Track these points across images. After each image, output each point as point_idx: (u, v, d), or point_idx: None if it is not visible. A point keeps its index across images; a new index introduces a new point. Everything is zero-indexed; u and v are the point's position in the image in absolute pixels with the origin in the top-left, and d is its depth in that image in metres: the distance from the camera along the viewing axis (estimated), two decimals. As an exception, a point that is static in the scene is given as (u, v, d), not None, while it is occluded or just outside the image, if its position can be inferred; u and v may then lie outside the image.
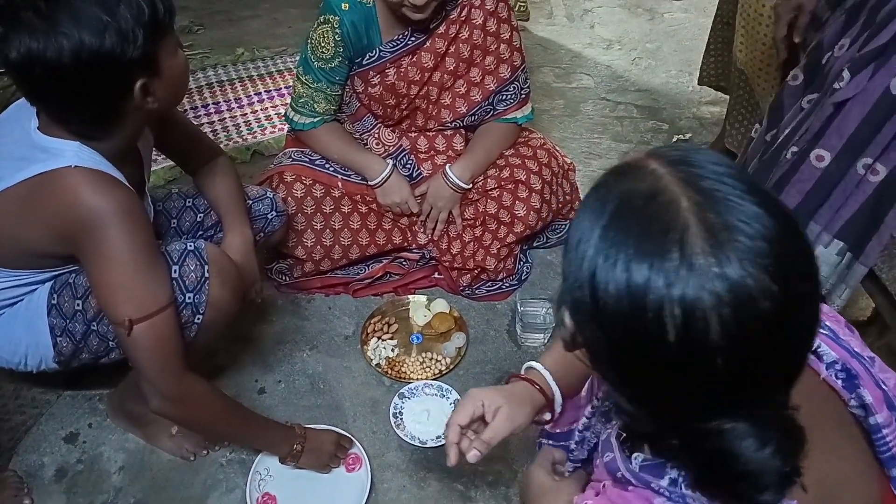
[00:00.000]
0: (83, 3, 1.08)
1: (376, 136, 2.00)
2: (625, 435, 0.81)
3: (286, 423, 1.54)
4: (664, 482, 0.71)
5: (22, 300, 1.38)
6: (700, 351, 0.58)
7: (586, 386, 1.04)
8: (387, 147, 2.00)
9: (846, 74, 1.39)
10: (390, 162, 1.95)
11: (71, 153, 1.19)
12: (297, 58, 1.96)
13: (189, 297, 1.34)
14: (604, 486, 0.82)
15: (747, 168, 1.73)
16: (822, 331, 0.80)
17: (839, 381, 0.78)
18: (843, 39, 1.47)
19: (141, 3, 1.11)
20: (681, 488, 0.69)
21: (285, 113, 2.00)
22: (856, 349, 0.80)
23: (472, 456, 1.03)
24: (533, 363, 1.12)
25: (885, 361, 0.91)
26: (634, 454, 0.75)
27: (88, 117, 1.19)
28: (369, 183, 1.95)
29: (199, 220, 1.63)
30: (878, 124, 1.37)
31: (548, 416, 1.10)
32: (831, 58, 1.48)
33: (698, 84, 2.45)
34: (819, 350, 0.78)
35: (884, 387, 0.78)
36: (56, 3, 1.07)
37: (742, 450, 0.60)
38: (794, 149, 1.48)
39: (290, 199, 1.89)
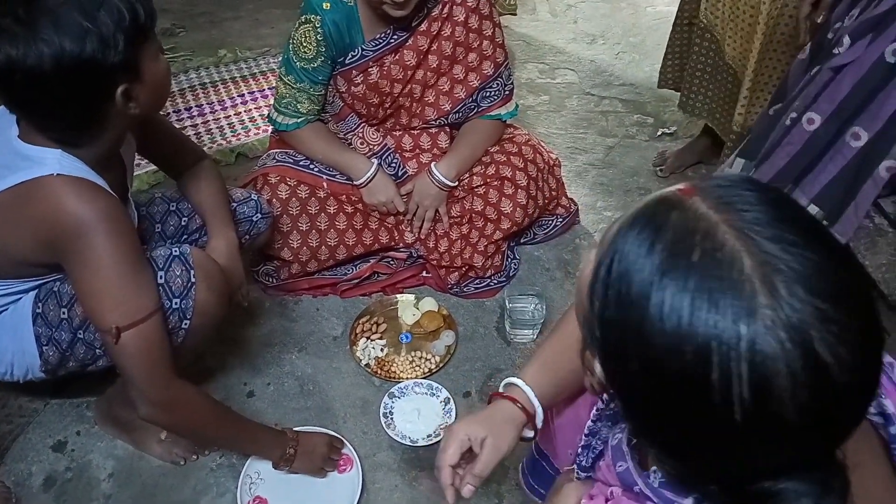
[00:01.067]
0: (63, 10, 1.07)
1: (360, 135, 1.99)
2: (635, 441, 0.78)
3: (276, 425, 1.53)
4: (688, 501, 0.66)
5: (6, 309, 1.37)
6: (767, 415, 0.52)
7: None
8: (371, 146, 1.99)
9: (846, 40, 1.39)
10: (375, 161, 1.95)
11: (53, 161, 1.17)
12: (280, 58, 1.95)
13: (176, 303, 1.33)
14: (612, 492, 0.79)
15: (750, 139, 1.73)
16: None
17: None
18: (853, 10, 1.47)
19: (122, 8, 1.10)
20: None
21: (268, 114, 1.99)
22: None
23: (468, 491, 1.02)
24: (513, 379, 1.10)
25: None
26: (652, 468, 0.71)
27: (70, 124, 1.18)
28: (354, 182, 1.94)
29: (183, 223, 1.62)
30: (871, 91, 1.37)
31: (530, 434, 1.10)
32: (840, 28, 1.49)
33: (658, 87, 2.45)
34: None
35: None
36: (35, 9, 1.06)
37: None
38: (793, 114, 1.48)
39: (274, 200, 1.89)
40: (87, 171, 1.20)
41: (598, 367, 0.63)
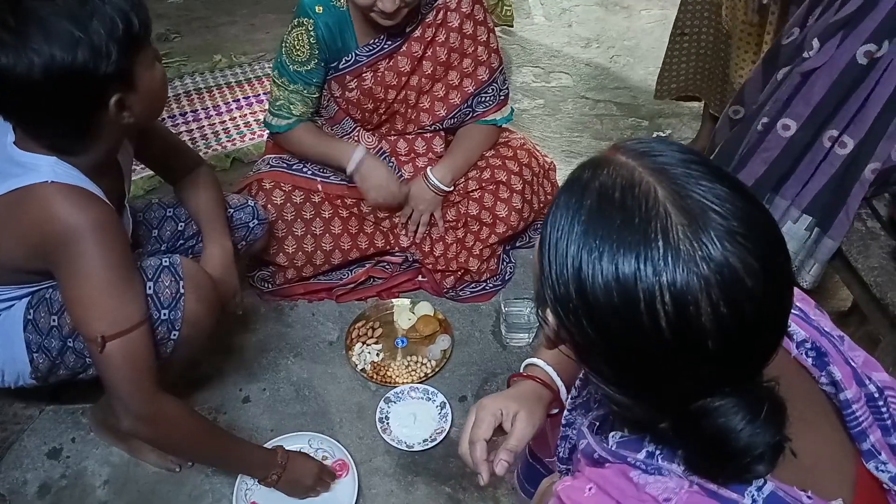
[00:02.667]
0: (54, 18, 1.06)
1: (356, 138, 1.99)
2: (598, 424, 0.81)
3: (271, 431, 1.53)
4: (641, 455, 0.71)
5: None
6: (693, 334, 0.60)
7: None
8: (366, 148, 1.99)
9: (816, 43, 1.40)
10: (362, 145, 1.92)
11: (47, 168, 1.17)
12: (274, 59, 1.94)
13: (164, 314, 1.33)
14: (579, 470, 0.82)
15: (714, 145, 1.75)
16: (792, 311, 0.80)
17: (809, 360, 0.79)
18: (816, 8, 1.48)
19: (115, 16, 1.09)
20: (657, 460, 0.70)
21: (264, 118, 1.99)
22: (826, 328, 0.81)
23: (502, 468, 0.99)
24: (533, 360, 1.10)
25: (865, 350, 0.93)
26: (612, 433, 0.76)
27: (63, 132, 1.18)
28: (347, 171, 1.90)
29: (179, 229, 1.62)
30: (844, 94, 1.38)
31: (556, 411, 1.10)
32: (807, 30, 1.50)
33: (655, 98, 2.45)
34: (790, 330, 0.79)
35: (852, 364, 0.79)
36: (26, 17, 1.05)
37: (735, 423, 0.62)
38: (765, 119, 1.49)
39: (269, 206, 1.89)
40: (82, 178, 1.20)
41: (550, 319, 0.70)
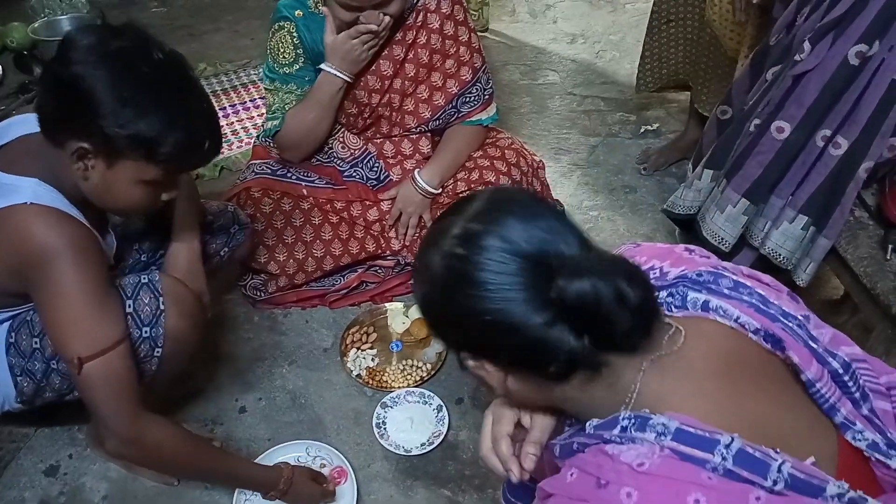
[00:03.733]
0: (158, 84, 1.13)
1: (341, 139, 1.99)
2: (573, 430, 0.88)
3: (269, 440, 1.52)
4: (616, 431, 0.77)
5: None
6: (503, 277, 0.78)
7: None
8: (352, 150, 1.99)
9: (807, 45, 1.40)
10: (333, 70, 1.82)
11: (28, 190, 1.17)
12: (262, 70, 1.93)
13: (146, 331, 1.32)
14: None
15: (703, 145, 1.75)
16: (749, 298, 0.86)
17: (768, 345, 0.84)
18: (804, 7, 1.48)
19: (173, 120, 1.13)
20: (630, 432, 0.76)
21: (262, 132, 1.96)
22: (787, 310, 0.86)
23: (531, 462, 0.98)
24: None
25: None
26: (588, 423, 0.82)
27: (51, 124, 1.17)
28: (337, 75, 1.81)
29: (160, 240, 1.61)
30: (837, 94, 1.39)
31: None
32: (793, 27, 1.50)
33: (637, 92, 2.45)
34: (740, 320, 0.84)
35: (813, 344, 0.84)
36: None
37: (578, 287, 0.75)
38: (757, 121, 1.49)
39: (258, 214, 1.88)
40: (62, 201, 1.20)
41: (475, 362, 0.86)
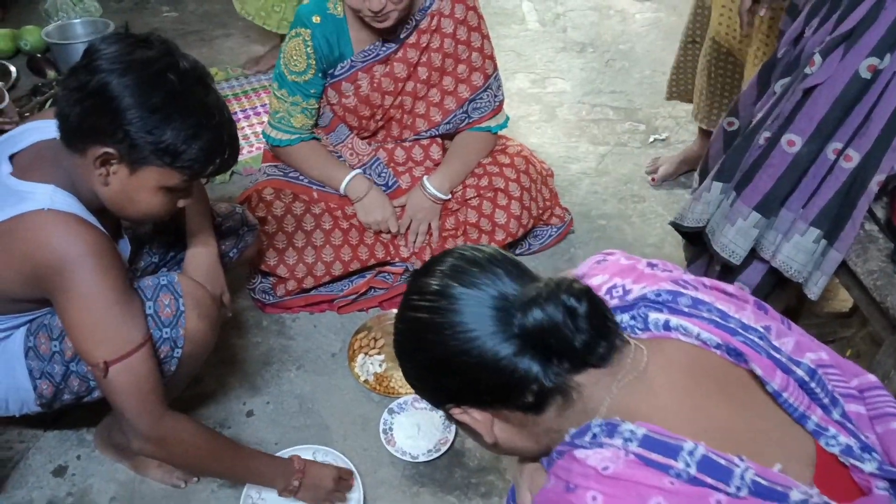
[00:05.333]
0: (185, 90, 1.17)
1: (350, 146, 2.01)
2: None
3: (276, 444, 1.52)
4: (587, 437, 0.82)
5: None
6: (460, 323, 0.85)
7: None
8: (361, 157, 2.01)
9: (817, 58, 1.40)
10: (368, 179, 1.95)
11: (45, 196, 1.18)
12: (271, 75, 1.96)
13: (166, 332, 1.33)
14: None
15: (709, 156, 1.76)
16: (708, 315, 0.88)
17: (731, 359, 0.86)
18: (813, 20, 1.48)
19: (199, 129, 1.16)
20: (599, 438, 0.80)
21: (263, 131, 2.00)
22: (748, 324, 0.88)
23: None
24: None
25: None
26: (567, 433, 0.86)
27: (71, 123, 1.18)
28: (351, 199, 1.95)
29: (170, 241, 1.63)
30: (848, 107, 1.39)
31: None
32: (802, 40, 1.50)
33: (666, 99, 2.46)
34: (701, 336, 0.86)
35: (776, 354, 0.85)
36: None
37: (534, 316, 0.81)
38: (767, 134, 1.49)
39: (270, 217, 1.90)
40: (79, 206, 1.21)
41: (460, 412, 0.90)
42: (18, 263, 1.18)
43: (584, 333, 0.81)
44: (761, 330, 0.88)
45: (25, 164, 1.23)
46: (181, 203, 1.29)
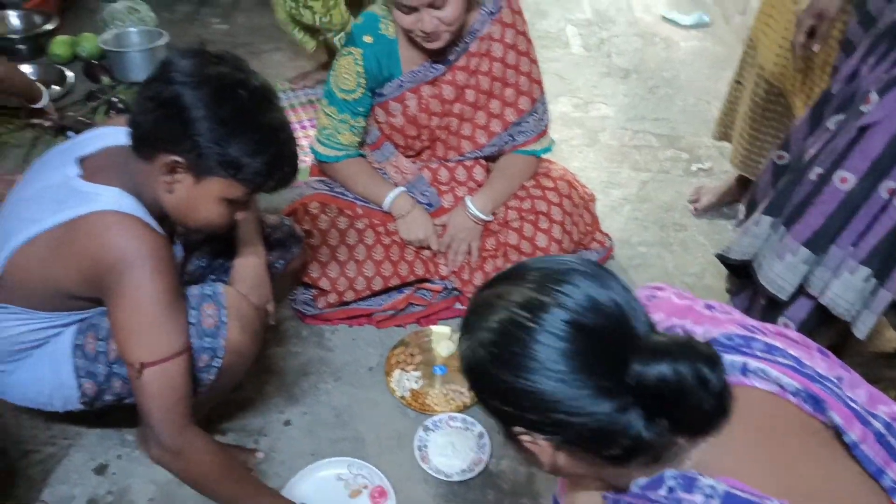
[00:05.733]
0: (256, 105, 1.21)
1: (395, 164, 2.03)
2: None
3: (311, 455, 1.53)
4: (662, 492, 0.77)
5: (48, 342, 1.40)
6: (583, 339, 0.78)
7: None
8: (405, 175, 2.03)
9: (874, 97, 1.40)
10: (412, 198, 1.98)
11: (109, 198, 1.22)
12: (318, 90, 2.00)
13: (207, 342, 1.36)
14: None
15: (757, 189, 1.75)
16: (784, 361, 0.84)
17: (809, 407, 0.82)
18: (870, 58, 1.48)
19: (269, 152, 1.21)
20: (677, 493, 0.76)
21: (310, 145, 2.03)
22: (822, 373, 0.84)
23: None
24: None
25: None
26: (632, 483, 0.82)
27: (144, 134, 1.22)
28: (390, 212, 1.97)
29: (219, 249, 1.66)
30: None
31: None
32: (857, 77, 1.50)
33: (713, 139, 2.45)
34: (782, 382, 0.82)
35: (853, 405, 0.82)
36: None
37: (657, 370, 0.74)
38: (819, 170, 1.48)
39: (315, 230, 1.93)
40: (142, 210, 1.25)
41: (526, 436, 0.84)
42: (79, 261, 1.22)
43: (709, 406, 0.75)
44: (834, 380, 0.85)
45: (93, 168, 1.27)
46: (239, 216, 1.32)
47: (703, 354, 0.76)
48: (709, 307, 0.95)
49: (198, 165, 1.20)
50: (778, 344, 0.87)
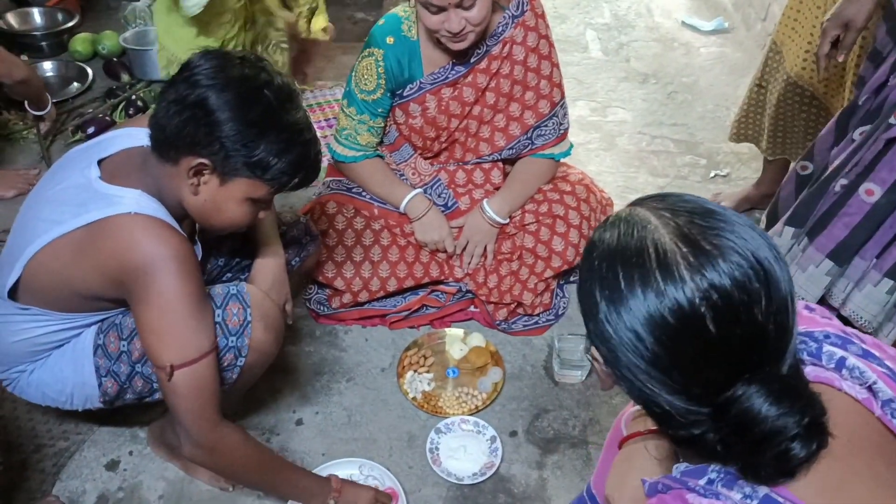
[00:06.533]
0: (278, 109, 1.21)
1: (412, 165, 2.03)
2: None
3: (322, 455, 1.53)
4: (702, 481, 0.75)
5: (69, 342, 1.40)
6: (700, 335, 0.70)
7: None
8: (422, 177, 2.02)
9: None
10: (429, 199, 1.97)
11: (131, 200, 1.22)
12: (337, 91, 1.99)
13: (232, 341, 1.36)
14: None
15: (780, 198, 1.73)
16: (880, 368, 0.81)
17: (895, 420, 0.78)
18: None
19: (292, 144, 1.22)
20: (716, 486, 0.73)
21: (329, 145, 2.03)
22: None
23: None
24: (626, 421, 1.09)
25: None
26: (675, 465, 0.81)
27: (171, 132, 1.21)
28: (407, 214, 1.97)
29: (237, 247, 1.67)
30: None
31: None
32: (885, 89, 1.47)
33: (730, 141, 2.41)
34: (875, 386, 0.79)
35: None
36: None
37: (758, 405, 0.68)
38: (844, 181, 1.46)
39: (331, 230, 1.93)
40: (163, 211, 1.25)
41: (599, 356, 0.79)
42: (104, 263, 1.22)
43: (786, 465, 0.71)
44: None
45: (114, 170, 1.27)
46: (262, 215, 1.33)
47: (817, 412, 0.70)
48: (809, 308, 0.93)
49: (224, 167, 1.20)
50: (875, 352, 0.83)
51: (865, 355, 0.82)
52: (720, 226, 0.73)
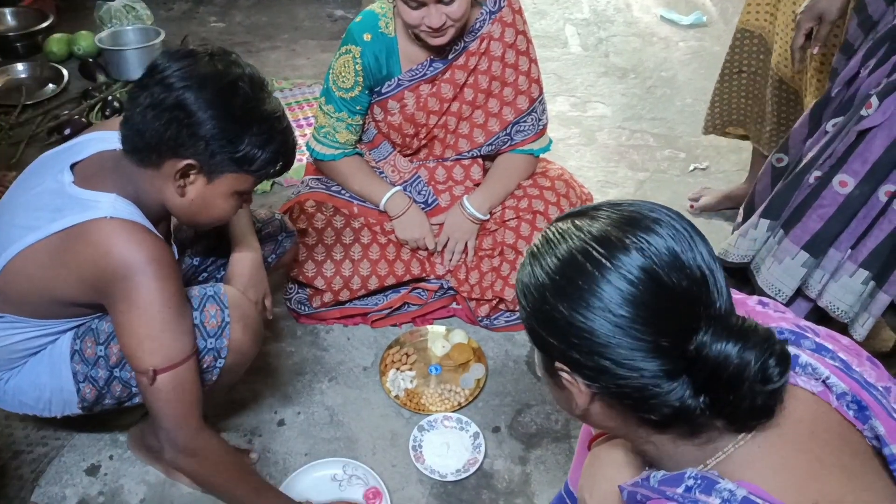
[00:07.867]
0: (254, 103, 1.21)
1: (392, 163, 2.02)
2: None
3: (305, 455, 1.53)
4: (680, 489, 0.75)
5: (44, 348, 1.38)
6: (662, 290, 0.74)
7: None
8: (402, 174, 2.02)
9: (874, 101, 1.39)
10: (401, 191, 1.97)
11: (107, 205, 1.20)
12: (315, 89, 1.98)
13: (210, 343, 1.35)
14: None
15: (756, 191, 1.74)
16: (832, 362, 0.82)
17: (850, 412, 0.80)
18: (870, 61, 1.47)
19: (271, 132, 1.21)
20: (694, 493, 0.74)
21: (306, 143, 2.02)
22: (869, 380, 0.81)
23: None
24: None
25: None
26: (652, 474, 0.80)
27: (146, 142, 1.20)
28: (387, 212, 1.96)
29: (212, 246, 1.66)
30: None
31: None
32: (856, 80, 1.49)
33: (703, 134, 2.41)
34: (828, 381, 0.80)
35: None
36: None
37: (722, 348, 0.71)
38: (817, 173, 1.48)
39: (310, 229, 1.92)
40: (139, 215, 1.23)
41: (570, 377, 0.80)
42: (81, 269, 1.20)
43: (759, 402, 0.72)
44: (882, 389, 0.82)
45: (87, 174, 1.25)
46: (243, 206, 1.33)
47: (776, 352, 0.72)
48: (762, 304, 0.93)
49: (210, 165, 1.20)
50: (828, 345, 0.84)
51: (818, 349, 0.83)
52: (637, 211, 0.79)
